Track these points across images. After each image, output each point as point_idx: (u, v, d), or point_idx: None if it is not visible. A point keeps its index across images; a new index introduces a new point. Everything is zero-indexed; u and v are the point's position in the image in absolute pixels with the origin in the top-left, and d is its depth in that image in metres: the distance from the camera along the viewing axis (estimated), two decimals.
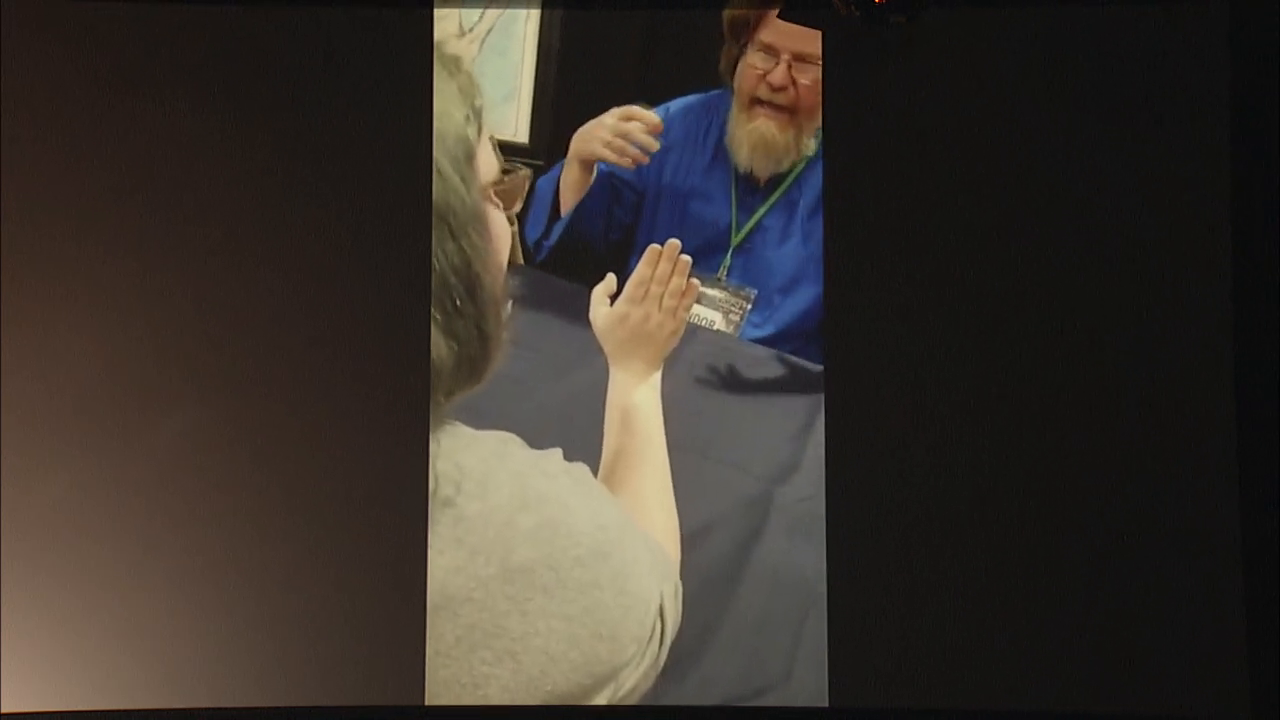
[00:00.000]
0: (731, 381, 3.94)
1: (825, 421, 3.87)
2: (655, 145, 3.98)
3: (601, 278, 3.93)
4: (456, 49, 3.92)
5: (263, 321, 3.85)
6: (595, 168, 3.99)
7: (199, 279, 3.85)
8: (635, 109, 3.99)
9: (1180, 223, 3.89)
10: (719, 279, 3.98)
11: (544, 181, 3.98)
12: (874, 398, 3.87)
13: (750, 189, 3.99)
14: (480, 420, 3.80)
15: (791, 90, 3.98)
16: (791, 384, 3.92)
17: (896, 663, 3.81)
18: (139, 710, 3.74)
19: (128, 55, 3.88)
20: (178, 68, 3.88)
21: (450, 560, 3.76)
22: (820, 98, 3.97)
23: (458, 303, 3.73)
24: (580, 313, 3.91)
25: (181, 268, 3.85)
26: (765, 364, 3.94)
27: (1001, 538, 3.83)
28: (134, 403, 3.82)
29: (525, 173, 3.87)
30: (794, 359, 3.93)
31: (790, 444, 3.88)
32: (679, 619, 3.80)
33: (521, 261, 3.87)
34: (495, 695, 3.73)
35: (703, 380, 3.93)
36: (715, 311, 3.97)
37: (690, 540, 3.84)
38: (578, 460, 3.80)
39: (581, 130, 3.99)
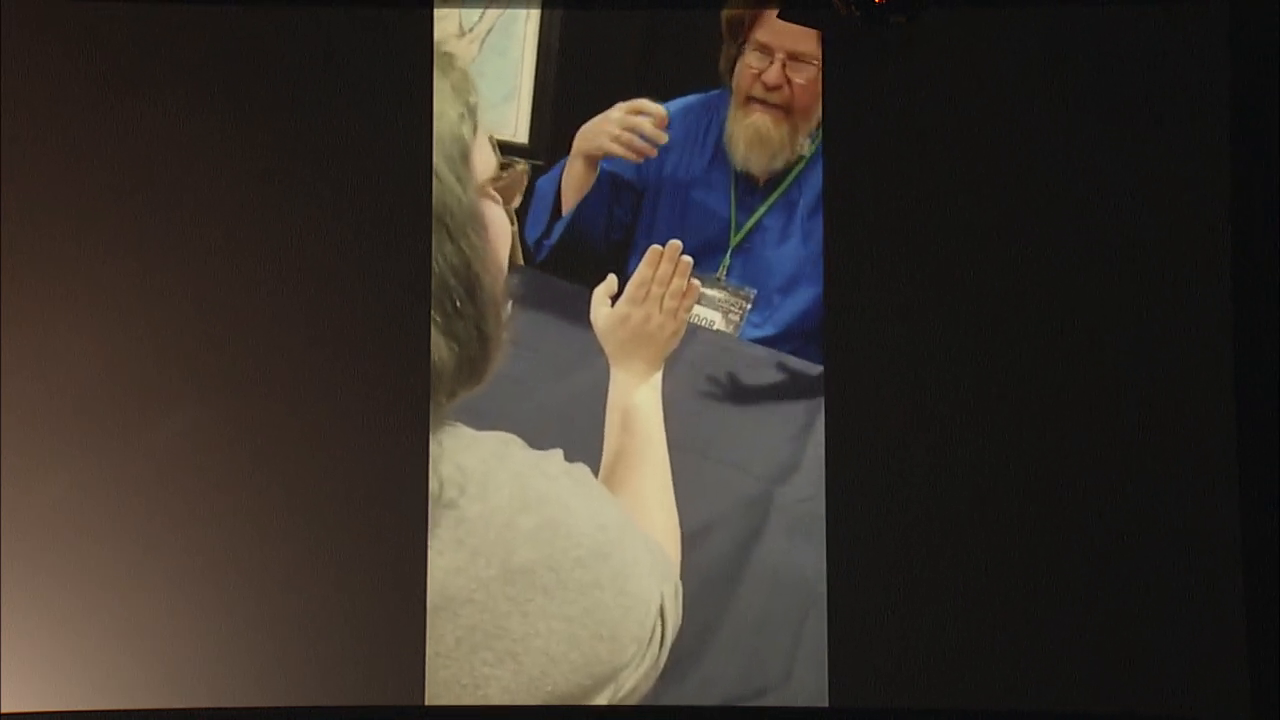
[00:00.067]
0: (731, 382, 3.93)
1: (825, 422, 3.87)
2: (664, 138, 3.99)
3: (601, 278, 3.93)
4: (449, 47, 3.92)
5: (263, 321, 3.85)
6: (598, 165, 3.99)
7: (199, 279, 3.85)
8: (642, 102, 3.98)
9: (1180, 223, 3.88)
10: (718, 279, 3.98)
11: (544, 181, 3.98)
12: (874, 398, 3.87)
13: (750, 189, 3.99)
14: (481, 421, 3.80)
15: (786, 89, 3.98)
16: (791, 384, 3.92)
17: (896, 663, 3.81)
18: (139, 710, 3.74)
19: (128, 55, 3.87)
20: (178, 68, 3.88)
21: (451, 561, 3.76)
22: (816, 97, 3.97)
23: (457, 304, 3.73)
24: (581, 313, 3.91)
25: (181, 268, 3.85)
26: (765, 364, 3.94)
27: (1001, 538, 3.83)
28: (134, 403, 3.82)
29: (523, 167, 3.86)
30: (793, 359, 3.93)
31: (790, 444, 3.88)
32: (679, 619, 3.80)
33: (522, 262, 3.88)
34: (496, 696, 3.73)
35: (702, 380, 3.93)
36: (715, 311, 3.97)
37: (690, 541, 3.84)
38: (578, 461, 3.80)
39: (585, 127, 3.99)
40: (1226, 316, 3.86)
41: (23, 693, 3.73)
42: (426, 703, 3.75)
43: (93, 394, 3.81)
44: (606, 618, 3.73)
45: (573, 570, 3.73)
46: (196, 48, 3.88)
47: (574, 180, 4.00)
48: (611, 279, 3.92)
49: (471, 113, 3.82)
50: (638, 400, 3.85)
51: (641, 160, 3.99)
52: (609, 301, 3.91)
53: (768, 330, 3.95)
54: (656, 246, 3.93)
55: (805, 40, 3.96)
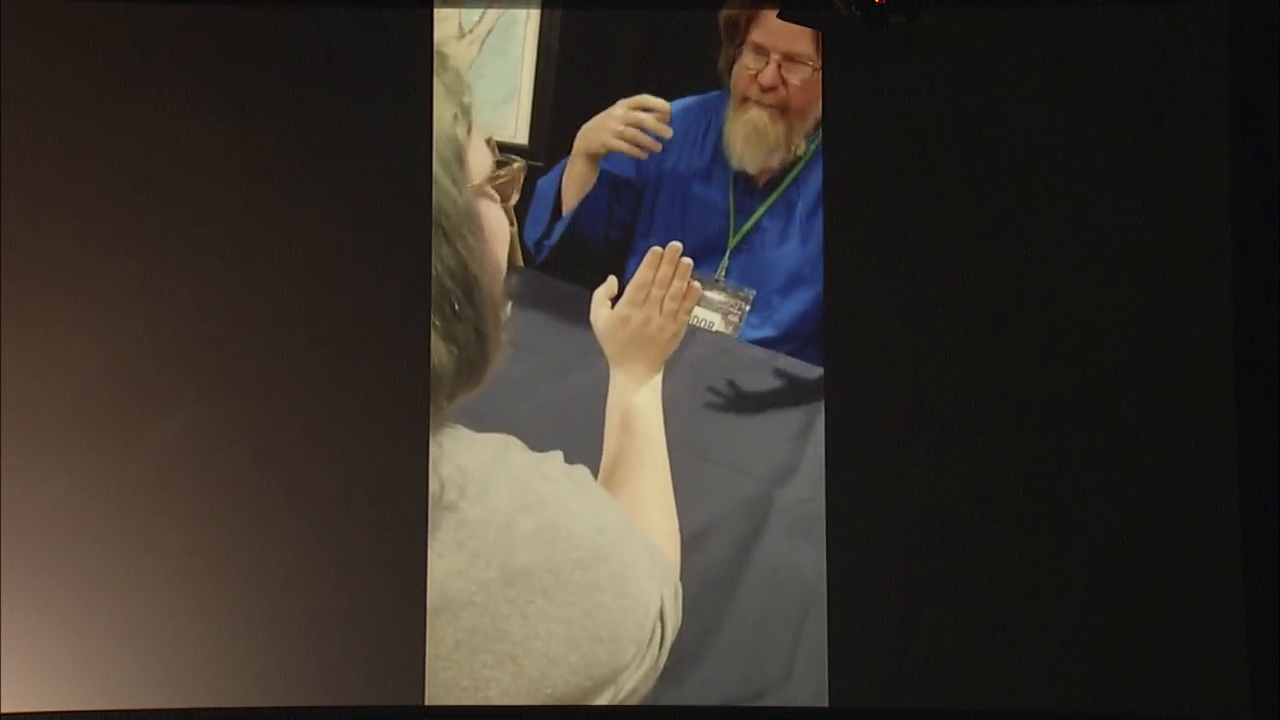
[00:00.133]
0: (730, 383, 3.93)
1: (825, 422, 3.87)
2: (668, 132, 3.99)
3: (601, 278, 3.92)
4: (444, 47, 3.92)
5: (263, 322, 3.85)
6: (599, 164, 3.99)
7: (199, 279, 3.85)
8: (646, 98, 3.98)
9: (1180, 223, 3.88)
10: (717, 280, 3.97)
11: (544, 182, 3.97)
12: (874, 398, 3.87)
13: (749, 190, 3.99)
14: (480, 423, 3.80)
15: (782, 90, 3.98)
16: (790, 386, 3.91)
17: (896, 663, 3.81)
18: (139, 710, 3.75)
19: (128, 55, 3.87)
20: (178, 68, 3.88)
21: (451, 564, 3.76)
22: (812, 98, 3.97)
23: (456, 306, 3.73)
24: (580, 314, 3.91)
25: (181, 268, 3.85)
26: (764, 365, 3.94)
27: (1001, 538, 3.83)
28: (134, 403, 3.82)
29: (520, 164, 3.86)
30: (793, 360, 3.93)
31: (790, 445, 3.88)
32: (679, 621, 3.81)
33: (521, 263, 3.87)
34: (495, 698, 3.73)
35: (702, 382, 3.93)
36: (714, 313, 3.96)
37: (690, 542, 3.84)
38: (578, 463, 3.80)
39: (588, 125, 3.98)
40: (1226, 316, 3.86)
41: (23, 693, 3.73)
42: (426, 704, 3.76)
43: (93, 394, 3.81)
44: (606, 620, 3.73)
45: (572, 572, 3.73)
46: (196, 48, 3.88)
47: (575, 180, 3.99)
48: (611, 281, 3.92)
49: (465, 113, 3.82)
50: (637, 402, 3.85)
51: (645, 156, 3.99)
52: (609, 303, 3.90)
53: (767, 331, 3.95)
54: (657, 249, 3.93)
55: (801, 41, 3.96)
